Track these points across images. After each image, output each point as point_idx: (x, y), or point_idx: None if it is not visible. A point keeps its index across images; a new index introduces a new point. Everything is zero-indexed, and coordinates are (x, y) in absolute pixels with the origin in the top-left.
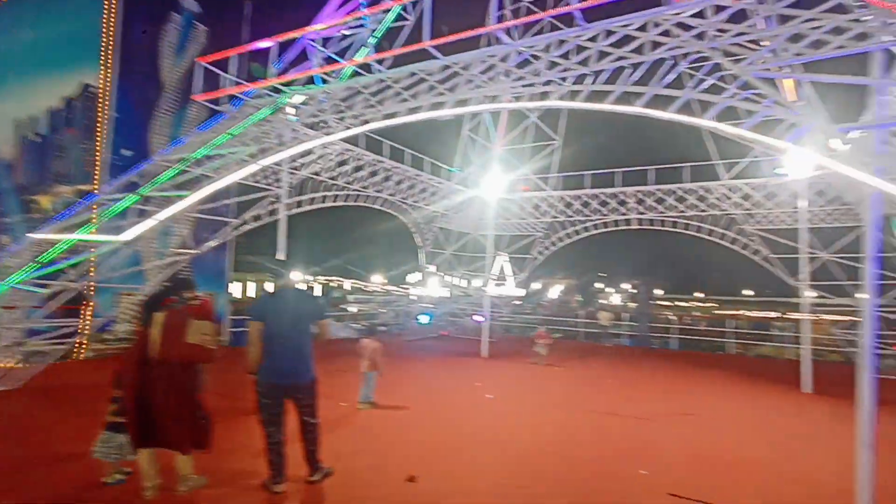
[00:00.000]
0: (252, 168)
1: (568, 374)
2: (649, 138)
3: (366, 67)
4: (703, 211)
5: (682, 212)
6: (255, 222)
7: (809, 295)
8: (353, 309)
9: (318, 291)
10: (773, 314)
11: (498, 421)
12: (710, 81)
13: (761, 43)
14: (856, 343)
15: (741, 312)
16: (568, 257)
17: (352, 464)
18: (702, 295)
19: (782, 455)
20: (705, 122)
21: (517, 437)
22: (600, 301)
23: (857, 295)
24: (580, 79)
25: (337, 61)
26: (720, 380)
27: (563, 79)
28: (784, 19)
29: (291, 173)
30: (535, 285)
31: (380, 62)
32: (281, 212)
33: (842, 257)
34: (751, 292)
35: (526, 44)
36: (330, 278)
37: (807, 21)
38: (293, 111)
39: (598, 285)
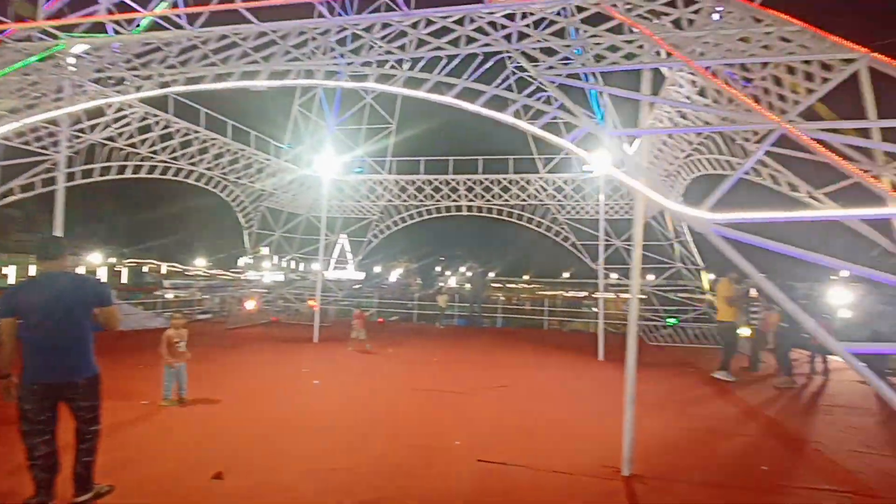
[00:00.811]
0: (13, 125)
1: (399, 355)
2: (479, 130)
3: (169, 21)
4: (524, 200)
5: (507, 200)
6: (24, 193)
7: (605, 277)
8: (169, 295)
9: (103, 276)
10: (582, 294)
11: (321, 406)
12: (513, 80)
13: (555, 50)
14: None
15: (559, 293)
16: (412, 241)
17: (148, 470)
18: (528, 277)
19: (575, 416)
20: (505, 118)
21: (339, 422)
22: (439, 284)
23: (647, 277)
24: (399, 64)
25: (133, 9)
26: (535, 353)
27: (382, 62)
28: (577, 32)
29: (75, 136)
30: (378, 269)
31: (187, 18)
32: (59, 182)
33: (630, 244)
34: (568, 275)
35: (348, 21)
36: (142, 261)
37: (592, 37)
38: (72, 61)
39: (438, 269)
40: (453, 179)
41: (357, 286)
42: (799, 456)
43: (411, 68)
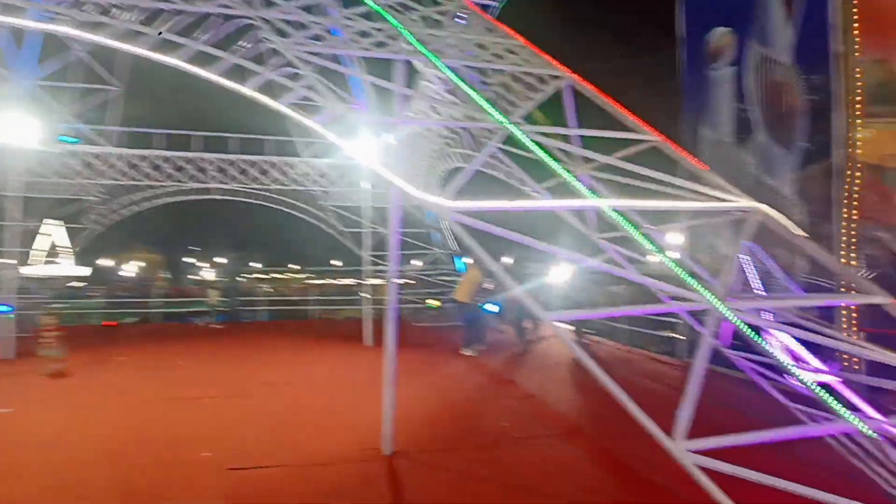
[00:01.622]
0: None
1: (139, 362)
2: (231, 105)
3: None
4: (286, 185)
5: (267, 185)
6: None
7: (374, 264)
8: None
9: None
10: (352, 281)
11: (38, 431)
12: (258, 50)
13: (305, 25)
14: (405, 301)
15: (329, 281)
16: (155, 228)
17: None
18: (298, 266)
19: (339, 404)
20: (246, 90)
21: (54, 455)
22: (189, 276)
23: (412, 262)
24: (108, 12)
25: None
26: (303, 345)
27: (83, 3)
28: (327, 12)
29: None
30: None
31: None
32: None
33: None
34: (339, 262)
35: None
36: None
37: (347, 19)
38: None
39: (190, 260)
40: (201, 158)
41: (79, 284)
42: (529, 409)
43: (129, 19)
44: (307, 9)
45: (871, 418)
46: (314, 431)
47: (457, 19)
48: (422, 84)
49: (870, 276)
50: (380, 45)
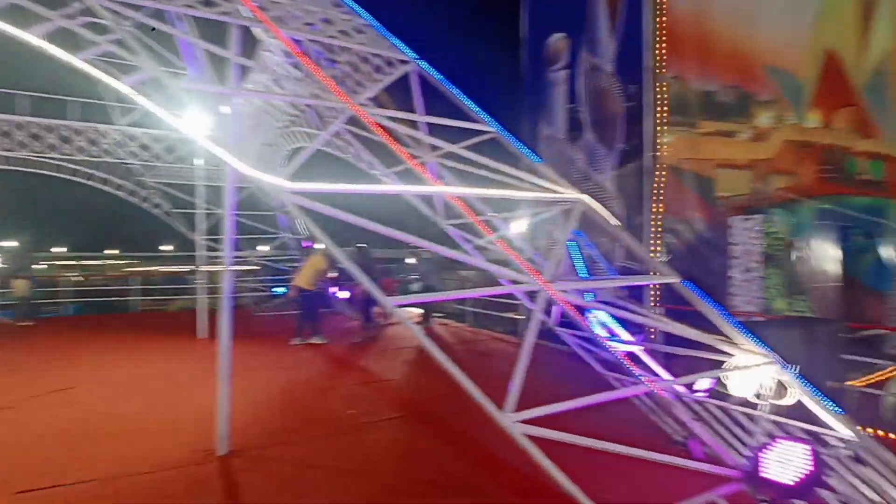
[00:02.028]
0: None
1: None
2: (21, 57)
3: None
4: (96, 157)
5: (69, 155)
6: None
7: (210, 249)
8: None
9: None
10: (187, 268)
11: None
12: None
13: None
14: (247, 289)
15: (157, 269)
16: None
17: None
18: (117, 252)
19: (163, 406)
20: (32, 38)
21: None
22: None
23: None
24: None
25: None
26: (120, 341)
27: None
28: None
29: None
30: None
31: None
32: None
33: (238, 214)
34: (171, 247)
35: None
36: None
37: None
38: None
39: None
40: None
41: None
42: (376, 394)
43: None
44: None
45: (663, 380)
46: (135, 439)
47: None
48: (264, 55)
49: (668, 260)
50: (208, 4)
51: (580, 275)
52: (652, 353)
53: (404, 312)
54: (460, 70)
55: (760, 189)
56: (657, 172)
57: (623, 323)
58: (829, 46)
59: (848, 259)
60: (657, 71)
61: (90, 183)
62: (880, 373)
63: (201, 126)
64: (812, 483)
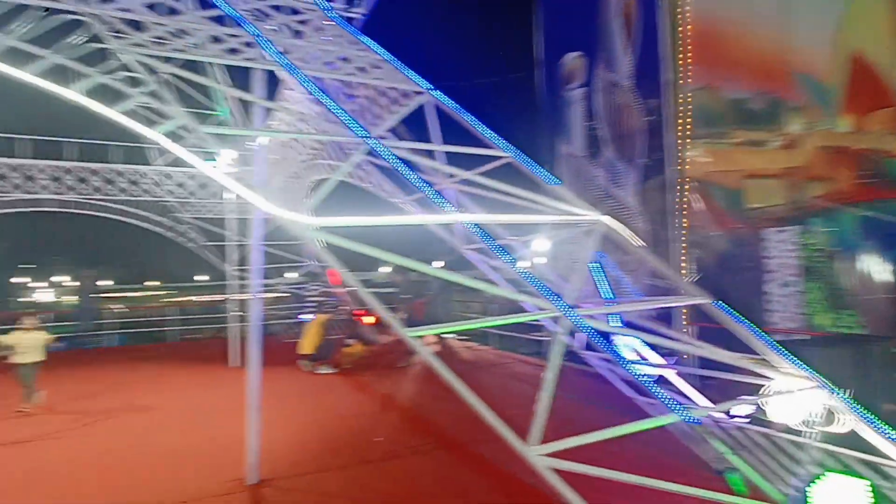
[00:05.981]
0: None
1: None
2: (67, 108)
3: None
4: (136, 196)
5: (113, 195)
6: None
7: (241, 279)
8: None
9: None
10: (220, 297)
11: None
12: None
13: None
14: (275, 316)
15: (191, 298)
16: None
17: None
18: (158, 283)
19: (197, 435)
20: (71, 94)
21: None
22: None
23: (285, 276)
24: None
25: None
26: (160, 369)
27: None
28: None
29: None
30: None
31: None
32: None
33: (266, 244)
34: (206, 277)
35: None
36: None
37: (192, 21)
38: None
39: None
40: (30, 165)
41: None
42: (402, 420)
43: None
44: (152, 7)
45: (699, 406)
46: (169, 468)
47: (321, 32)
48: (287, 94)
49: (698, 278)
50: (234, 52)
51: (604, 297)
52: (685, 375)
53: (421, 344)
54: (476, 94)
55: (796, 198)
56: (681, 186)
57: (652, 346)
58: (858, 49)
59: None
60: (678, 83)
61: (131, 221)
62: None
63: (226, 167)
64: None
